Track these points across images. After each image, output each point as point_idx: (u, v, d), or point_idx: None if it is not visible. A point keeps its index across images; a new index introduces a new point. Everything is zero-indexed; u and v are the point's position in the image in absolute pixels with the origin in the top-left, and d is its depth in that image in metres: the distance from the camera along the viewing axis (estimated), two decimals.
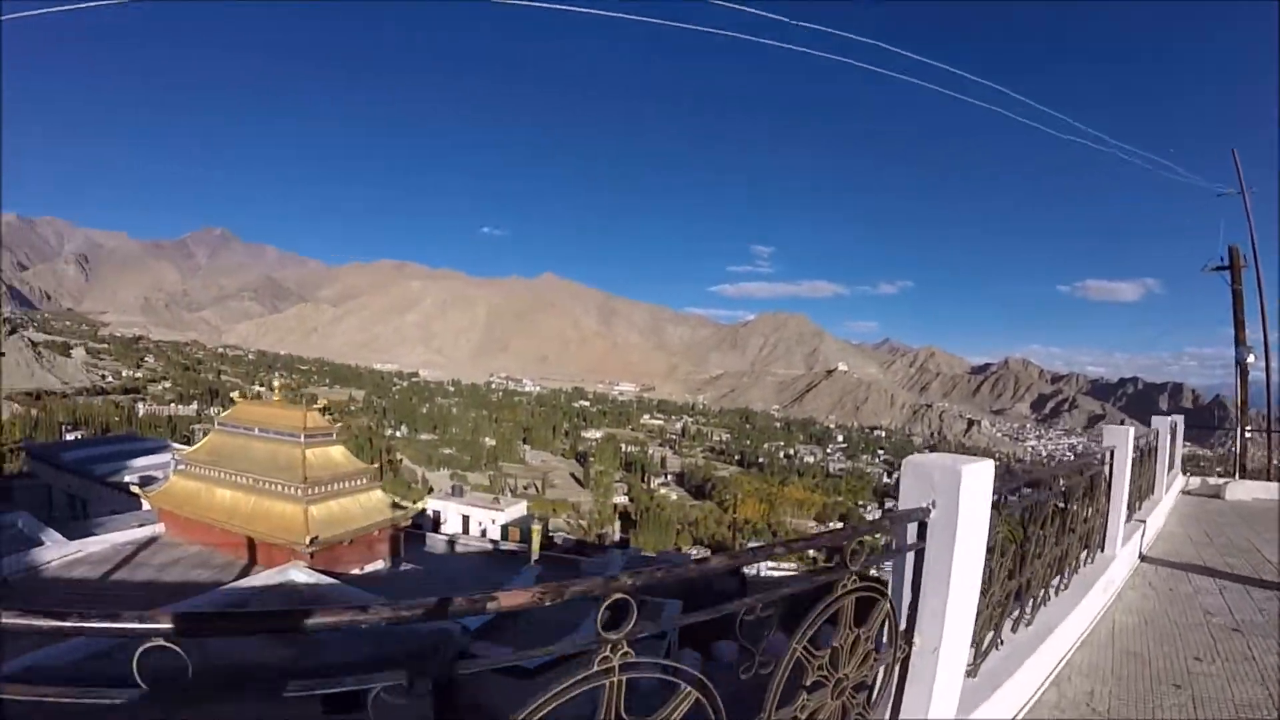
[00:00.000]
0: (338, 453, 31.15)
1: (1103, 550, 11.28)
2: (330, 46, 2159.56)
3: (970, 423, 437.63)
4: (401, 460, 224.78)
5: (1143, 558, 13.46)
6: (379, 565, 30.85)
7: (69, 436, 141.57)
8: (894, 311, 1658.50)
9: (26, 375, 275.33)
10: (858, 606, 4.52)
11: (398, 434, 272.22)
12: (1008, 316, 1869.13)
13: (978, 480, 5.32)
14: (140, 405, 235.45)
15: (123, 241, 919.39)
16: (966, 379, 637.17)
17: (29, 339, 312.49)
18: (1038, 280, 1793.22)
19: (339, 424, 33.34)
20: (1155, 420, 18.17)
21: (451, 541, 46.72)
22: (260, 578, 23.89)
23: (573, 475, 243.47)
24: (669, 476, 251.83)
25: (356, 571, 29.71)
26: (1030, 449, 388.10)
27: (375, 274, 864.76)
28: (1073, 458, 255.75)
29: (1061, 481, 8.89)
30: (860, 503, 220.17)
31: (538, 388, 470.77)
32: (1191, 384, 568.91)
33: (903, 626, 5.11)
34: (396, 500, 33.60)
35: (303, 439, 29.95)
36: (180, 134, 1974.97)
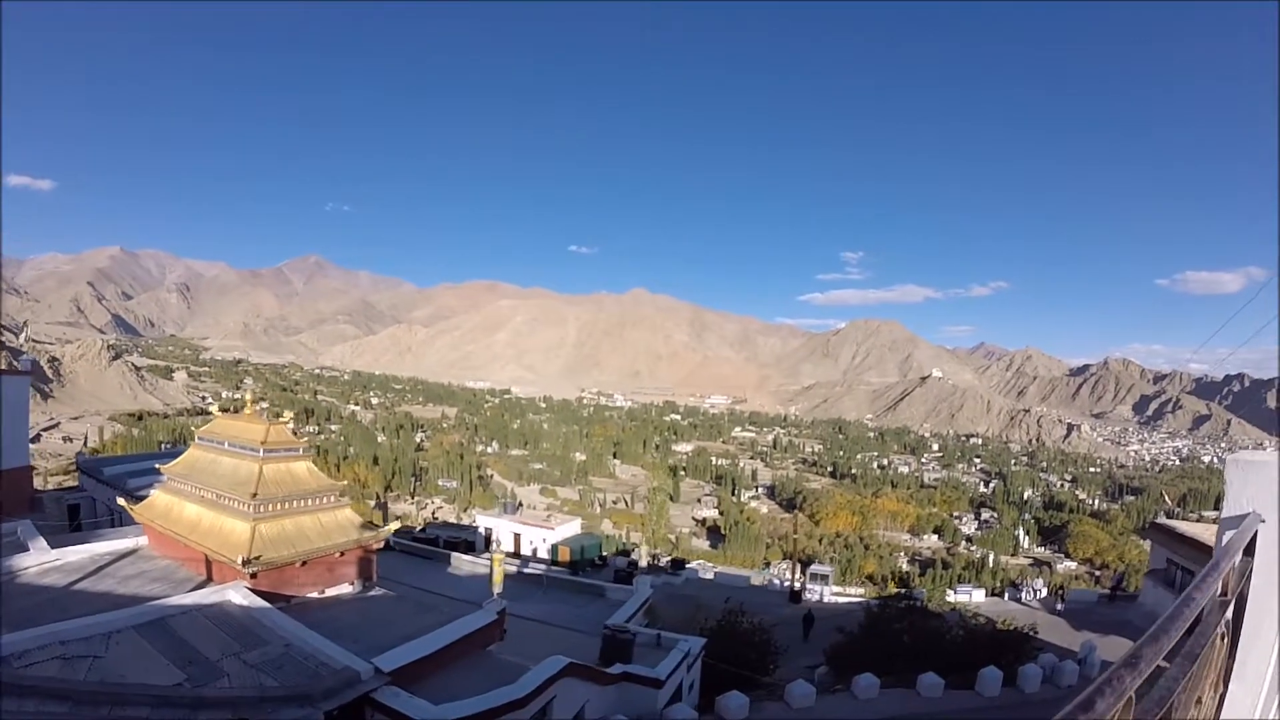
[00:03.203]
0: (302, 468, 29.02)
1: None
2: (423, 63, 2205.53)
3: (1070, 427, 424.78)
4: (492, 475, 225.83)
5: None
6: (344, 589, 28.50)
7: None
8: (990, 314, 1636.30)
9: (130, 397, 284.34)
10: None
11: (489, 450, 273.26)
12: (1107, 314, 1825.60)
13: None
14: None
15: (223, 270, 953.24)
16: (1065, 381, 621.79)
17: (132, 363, 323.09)
18: (1137, 275, 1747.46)
19: (305, 439, 30.79)
20: (1236, 475, 5.88)
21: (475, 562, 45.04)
22: (193, 596, 23.50)
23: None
24: (760, 489, 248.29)
25: (315, 595, 27.51)
26: (1133, 454, 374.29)
27: (466, 294, 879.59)
28: (1178, 463, 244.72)
29: None
30: (956, 514, 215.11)
31: (629, 402, 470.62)
32: None
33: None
34: (370, 520, 31.64)
35: (261, 453, 27.82)
36: (273, 157, 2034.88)
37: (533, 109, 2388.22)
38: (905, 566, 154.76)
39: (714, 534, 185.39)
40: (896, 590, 72.50)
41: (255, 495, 25.77)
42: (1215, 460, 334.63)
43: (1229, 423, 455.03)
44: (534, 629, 32.18)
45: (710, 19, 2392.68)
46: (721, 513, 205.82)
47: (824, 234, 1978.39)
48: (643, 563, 57.33)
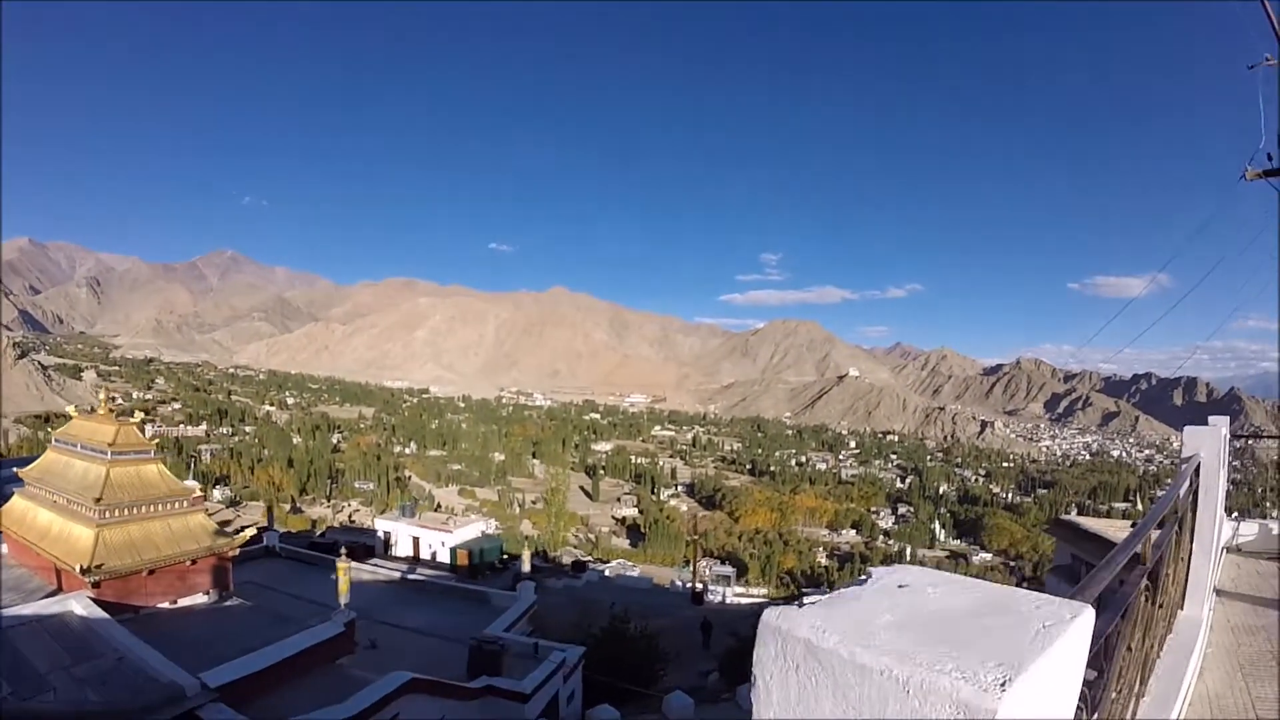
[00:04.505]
0: (152, 471, 27.10)
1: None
2: (336, 58, 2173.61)
3: (984, 424, 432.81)
4: (410, 477, 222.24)
5: None
6: (199, 598, 26.61)
7: None
8: (905, 315, 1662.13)
9: (36, 398, 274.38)
10: None
11: (407, 451, 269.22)
12: (1020, 316, 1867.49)
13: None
14: (149, 426, 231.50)
15: (135, 264, 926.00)
16: (979, 380, 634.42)
17: (39, 362, 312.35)
18: (1048, 279, 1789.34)
19: (156, 440, 28.78)
20: (1191, 433, 9.02)
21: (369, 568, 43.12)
22: (35, 606, 21.81)
23: (582, 489, 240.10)
24: (679, 488, 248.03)
25: (166, 605, 25.65)
26: (1045, 449, 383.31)
27: (384, 291, 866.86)
28: (1088, 457, 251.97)
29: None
30: (873, 509, 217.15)
31: (548, 401, 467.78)
32: (1205, 378, 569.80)
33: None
34: (222, 527, 29.61)
35: (109, 456, 25.78)
36: (188, 152, 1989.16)
37: (450, 105, 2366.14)
38: (824, 561, 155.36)
39: (634, 532, 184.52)
40: (792, 592, 71.84)
41: (100, 500, 23.81)
42: (1123, 455, 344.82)
43: (1137, 419, 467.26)
44: (410, 640, 30.28)
45: (626, 18, 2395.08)
46: (641, 511, 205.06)
47: (744, 236, 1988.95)
48: (525, 567, 55.37)
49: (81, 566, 21.92)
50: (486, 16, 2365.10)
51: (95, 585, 22.17)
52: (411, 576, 41.42)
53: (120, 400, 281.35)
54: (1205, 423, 9.41)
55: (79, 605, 21.23)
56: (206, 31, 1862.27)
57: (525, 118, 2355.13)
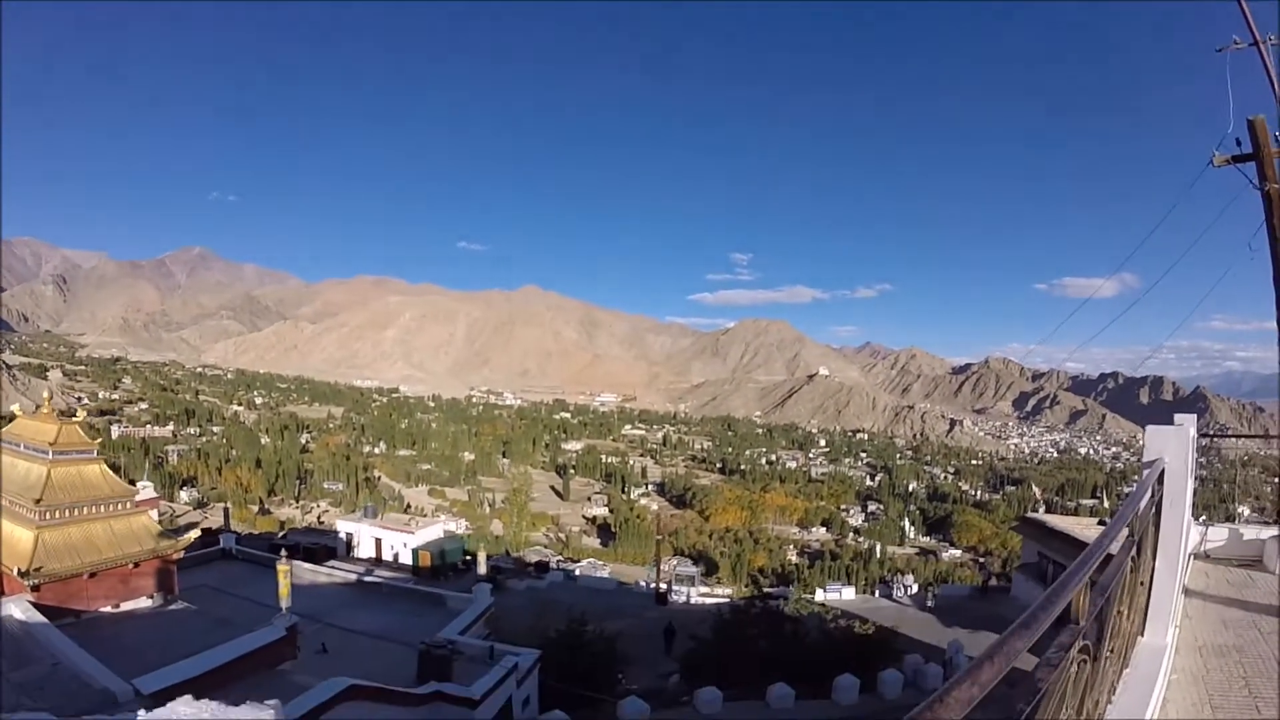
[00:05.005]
0: (95, 472, 26.40)
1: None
2: (304, 53, 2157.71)
3: (952, 422, 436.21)
4: (380, 477, 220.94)
5: None
6: (143, 602, 25.93)
7: None
8: (875, 315, 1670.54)
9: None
10: None
11: (376, 450, 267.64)
12: (988, 316, 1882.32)
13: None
14: (115, 427, 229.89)
15: (102, 261, 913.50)
16: (948, 379, 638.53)
17: (4, 361, 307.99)
18: (1016, 280, 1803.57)
19: (99, 440, 28.12)
20: (1154, 434, 8.11)
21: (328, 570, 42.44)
22: None
23: (553, 488, 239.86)
24: (650, 486, 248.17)
25: (108, 609, 25.00)
26: (1013, 447, 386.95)
27: (354, 290, 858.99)
28: (1056, 455, 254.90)
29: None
30: (843, 507, 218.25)
31: (518, 401, 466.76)
32: (1171, 377, 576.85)
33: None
34: (168, 529, 28.98)
35: (50, 455, 25.06)
36: (158, 148, 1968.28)
37: (421, 102, 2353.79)
38: (794, 559, 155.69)
39: (605, 532, 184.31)
40: (752, 594, 71.36)
41: (40, 501, 23.10)
42: (1091, 452, 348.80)
43: (1104, 417, 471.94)
44: (363, 644, 29.80)
45: (596, 16, 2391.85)
46: (612, 510, 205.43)
47: (714, 235, 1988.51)
48: (481, 569, 54.78)
49: (20, 569, 21.27)
50: (457, 14, 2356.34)
51: (35, 589, 21.52)
52: (367, 579, 40.71)
53: (86, 400, 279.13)
54: (1171, 421, 8.56)
55: (18, 609, 20.65)
56: (173, 25, 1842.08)
57: (495, 116, 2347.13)
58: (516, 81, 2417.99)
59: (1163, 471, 7.59)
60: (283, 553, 28.77)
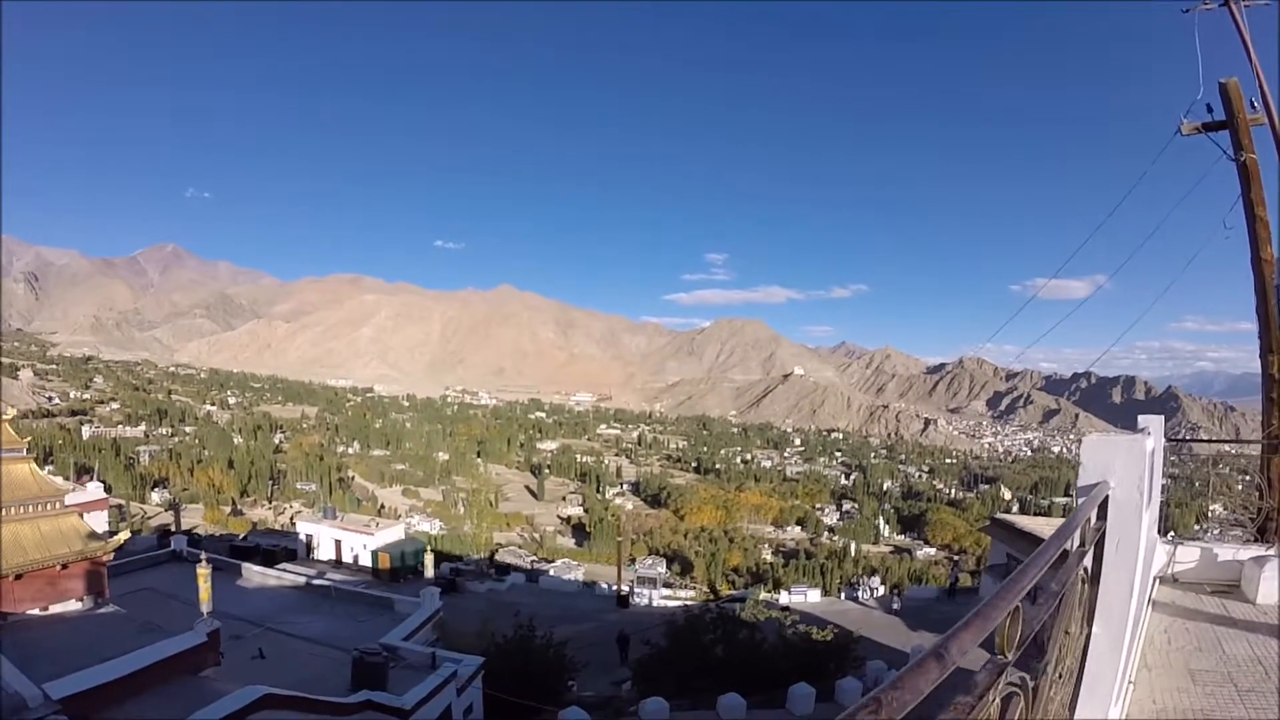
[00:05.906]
0: (23, 471, 25.52)
1: None
2: (279, 50, 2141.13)
3: (927, 422, 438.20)
4: (354, 477, 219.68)
5: None
6: (72, 605, 25.08)
7: None
8: (850, 315, 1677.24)
9: None
10: None
11: (350, 450, 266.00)
12: (962, 316, 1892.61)
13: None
14: (86, 428, 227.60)
15: (74, 259, 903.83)
16: (922, 379, 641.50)
17: None
18: (990, 280, 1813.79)
19: (29, 437, 27.10)
20: (1095, 448, 5.69)
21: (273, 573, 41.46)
22: None
23: (527, 488, 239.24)
24: (625, 486, 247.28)
25: (35, 612, 24.07)
26: (987, 446, 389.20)
27: (329, 288, 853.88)
28: (1029, 453, 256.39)
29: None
30: (818, 506, 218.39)
31: (494, 400, 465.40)
32: (1144, 377, 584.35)
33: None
34: (100, 530, 28.06)
35: None
36: (130, 143, 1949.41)
37: (398, 101, 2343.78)
38: (769, 558, 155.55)
39: (579, 532, 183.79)
40: (707, 598, 70.57)
41: None
42: (1064, 450, 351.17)
43: (1077, 417, 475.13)
44: (302, 650, 28.94)
45: (572, 15, 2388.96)
46: (587, 510, 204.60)
47: (690, 235, 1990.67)
48: (429, 571, 53.92)
49: None
50: (435, 11, 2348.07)
51: None
52: (316, 581, 39.85)
53: (57, 400, 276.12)
54: (1134, 425, 6.93)
55: None
56: (146, 20, 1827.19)
57: (472, 116, 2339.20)
58: (493, 82, 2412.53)
59: (1106, 498, 5.29)
60: (202, 557, 27.95)
